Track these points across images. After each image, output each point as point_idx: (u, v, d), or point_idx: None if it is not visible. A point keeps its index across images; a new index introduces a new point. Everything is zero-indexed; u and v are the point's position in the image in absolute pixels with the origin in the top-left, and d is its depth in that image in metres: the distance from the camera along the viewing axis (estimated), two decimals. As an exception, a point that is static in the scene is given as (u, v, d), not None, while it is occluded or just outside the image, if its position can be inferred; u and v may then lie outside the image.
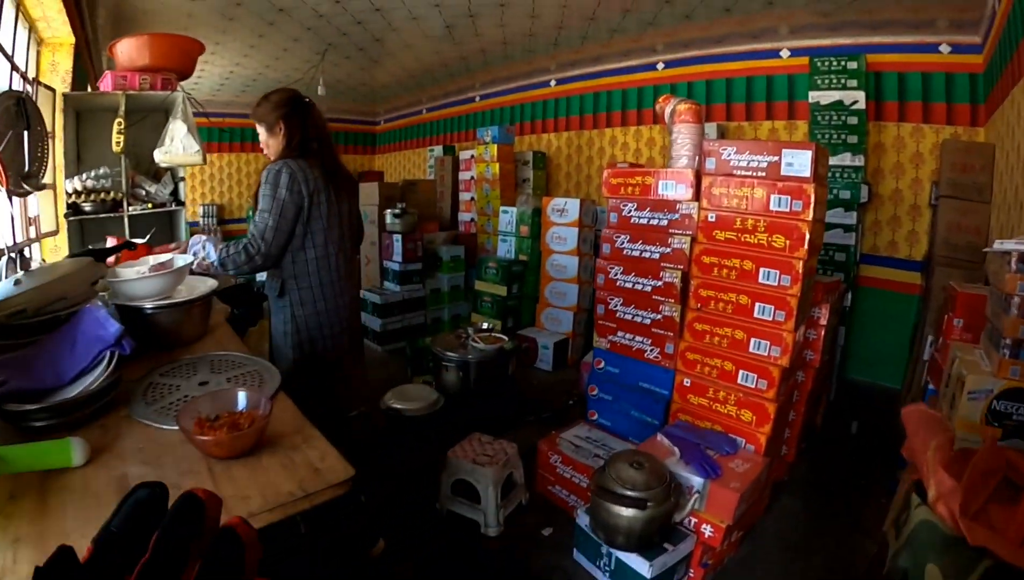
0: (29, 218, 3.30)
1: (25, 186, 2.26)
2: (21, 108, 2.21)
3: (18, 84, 3.22)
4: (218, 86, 7.38)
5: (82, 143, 3.52)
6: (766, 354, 2.37)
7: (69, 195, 3.14)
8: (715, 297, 2.49)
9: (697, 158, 2.65)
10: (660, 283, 2.70)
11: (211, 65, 6.20)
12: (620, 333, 2.89)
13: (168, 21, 4.56)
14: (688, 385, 2.61)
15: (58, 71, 3.83)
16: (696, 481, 2.13)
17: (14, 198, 2.55)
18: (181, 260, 1.71)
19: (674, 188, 2.66)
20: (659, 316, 2.71)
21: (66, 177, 3.16)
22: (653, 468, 2.05)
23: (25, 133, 2.23)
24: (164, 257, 1.75)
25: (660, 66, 5.60)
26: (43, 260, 2.73)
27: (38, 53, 3.82)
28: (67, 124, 3.28)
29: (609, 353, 2.96)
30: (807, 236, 2.24)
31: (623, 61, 5.89)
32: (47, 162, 2.50)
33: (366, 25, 4.98)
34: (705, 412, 2.56)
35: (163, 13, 4.39)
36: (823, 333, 2.83)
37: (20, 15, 3.25)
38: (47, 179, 3.22)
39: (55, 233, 3.31)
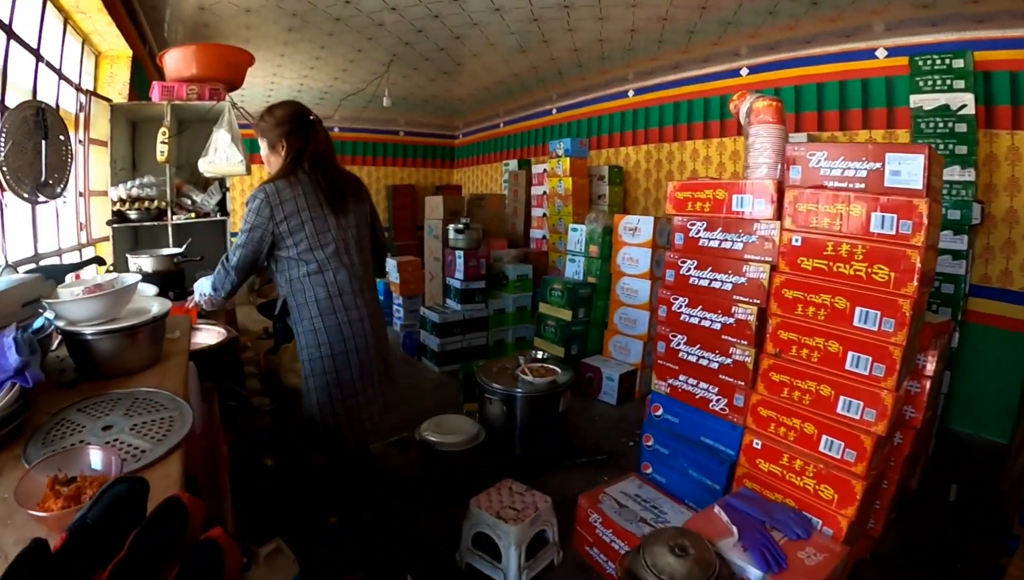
0: (80, 223, 3.36)
1: (40, 195, 2.24)
2: (40, 118, 2.20)
3: (71, 95, 3.29)
4: (291, 99, 7.45)
5: (137, 152, 3.54)
6: (858, 417, 1.87)
7: (114, 202, 3.13)
8: (798, 341, 2.02)
9: (780, 167, 2.19)
10: (731, 320, 2.25)
11: (280, 78, 6.23)
12: (682, 377, 2.46)
13: (229, 33, 4.57)
14: (758, 447, 2.13)
15: (115, 83, 3.91)
16: (753, 574, 1.67)
17: (39, 206, 2.54)
18: (129, 279, 1.52)
19: (751, 204, 2.22)
20: (728, 360, 2.26)
21: (112, 185, 3.15)
22: (699, 556, 1.61)
23: (43, 143, 2.21)
24: (106, 277, 1.57)
25: (744, 72, 5.13)
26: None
27: (96, 65, 3.91)
28: (121, 133, 3.30)
29: (668, 399, 2.53)
30: (917, 267, 1.74)
31: (704, 67, 5.44)
32: (69, 172, 2.48)
33: (427, 33, 4.79)
34: (776, 482, 2.08)
35: (220, 25, 4.39)
36: (928, 385, 2.28)
37: (71, 28, 3.30)
38: (100, 186, 3.24)
39: (107, 239, 3.32)
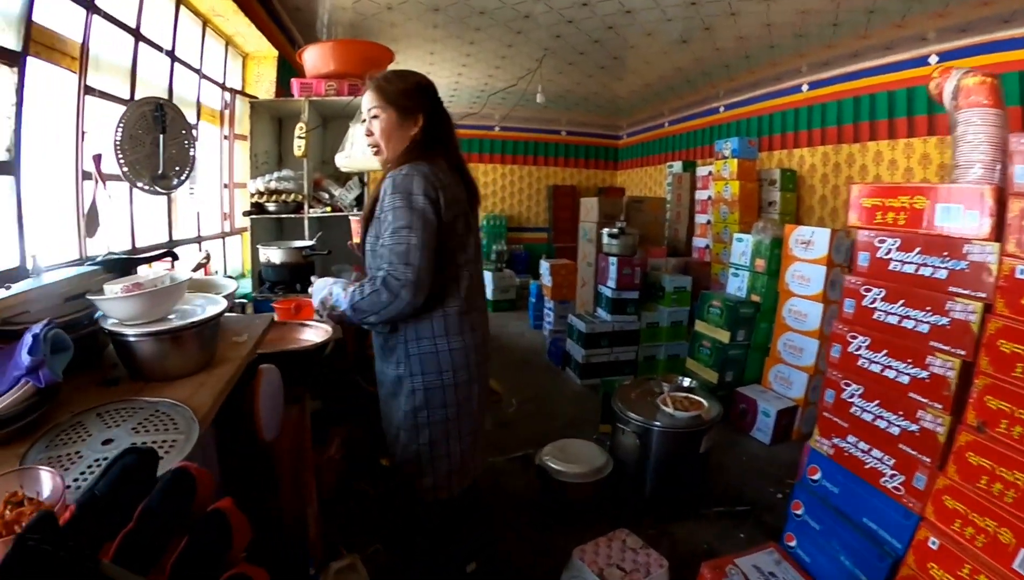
0: (224, 213, 3.77)
1: (158, 187, 2.37)
2: (159, 114, 2.31)
3: (216, 94, 3.67)
4: (448, 98, 7.46)
5: (283, 147, 3.70)
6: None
7: (253, 194, 3.26)
8: (1010, 414, 1.46)
9: (999, 167, 1.63)
10: (924, 374, 1.73)
11: (433, 76, 6.21)
12: (851, 438, 1.96)
13: (377, 32, 4.65)
14: (934, 547, 1.60)
15: (262, 81, 4.21)
16: None
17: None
18: (182, 276, 1.44)
19: (960, 216, 1.67)
20: (914, 427, 1.74)
21: (252, 177, 3.30)
22: None
23: (161, 137, 2.33)
24: (153, 274, 1.48)
25: (933, 59, 4.36)
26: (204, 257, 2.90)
27: (243, 66, 4.24)
28: (263, 128, 3.46)
29: (829, 462, 2.03)
30: None
31: (886, 55, 4.66)
32: (191, 166, 2.60)
33: (578, 24, 4.52)
34: (952, 599, 1.54)
35: (366, 24, 4.48)
36: None
37: (211, 31, 3.60)
38: (246, 179, 3.48)
39: (246, 229, 3.59)
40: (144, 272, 1.62)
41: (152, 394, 1.21)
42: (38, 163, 2.08)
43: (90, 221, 2.11)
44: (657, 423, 2.65)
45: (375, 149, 1.65)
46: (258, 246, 2.85)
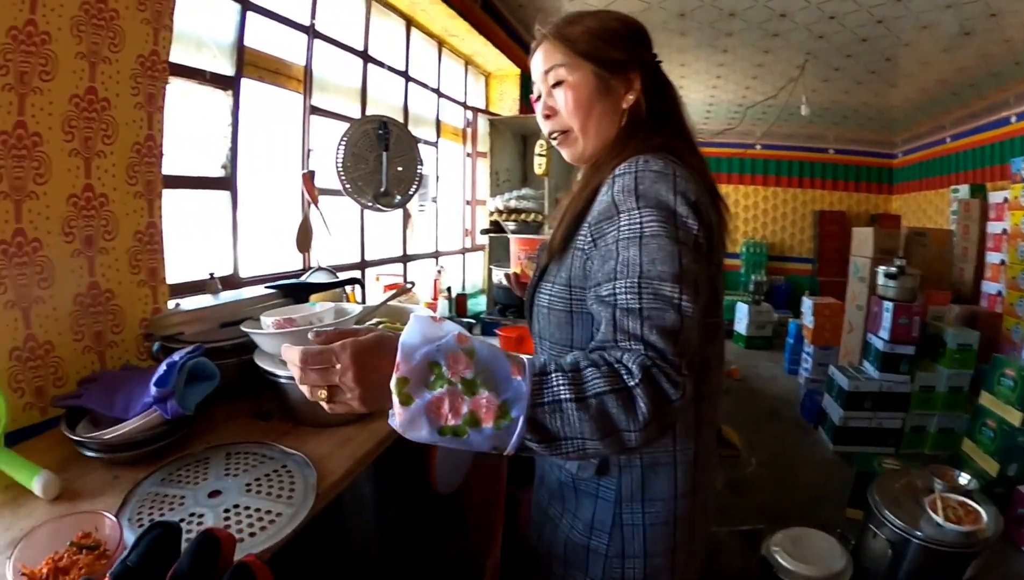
0: (465, 229, 4.10)
1: (379, 204, 2.45)
2: (384, 132, 2.41)
3: (458, 112, 3.96)
4: (704, 115, 7.27)
5: (527, 165, 3.74)
6: None
7: (492, 213, 3.27)
8: None
9: None
10: None
11: (687, 91, 6.01)
12: None
13: None
14: None
15: (505, 99, 4.40)
16: None
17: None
18: (353, 309, 1.35)
19: None
20: None
21: (492, 196, 3.33)
22: None
23: (384, 155, 2.41)
24: (303, 310, 1.31)
25: None
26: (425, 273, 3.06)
27: (487, 85, 4.49)
28: (505, 146, 3.61)
29: None
30: None
31: None
32: (417, 184, 2.64)
33: (841, 20, 4.01)
34: None
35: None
36: None
37: (448, 52, 3.83)
38: (483, 196, 3.77)
39: (483, 247, 3.83)
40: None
41: (293, 441, 1.13)
42: (268, 179, 2.23)
43: (302, 237, 2.20)
44: (919, 533, 2.30)
45: (560, 135, 1.02)
46: (491, 266, 2.90)
